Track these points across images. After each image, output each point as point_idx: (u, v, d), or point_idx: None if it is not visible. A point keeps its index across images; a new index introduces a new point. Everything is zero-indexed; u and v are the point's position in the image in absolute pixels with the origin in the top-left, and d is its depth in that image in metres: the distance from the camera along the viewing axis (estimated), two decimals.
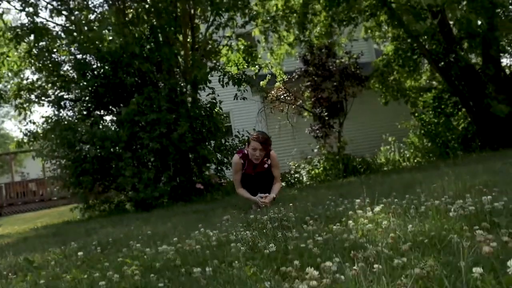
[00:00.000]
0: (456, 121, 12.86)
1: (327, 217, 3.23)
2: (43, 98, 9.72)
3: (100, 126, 8.28)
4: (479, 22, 11.29)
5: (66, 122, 8.72)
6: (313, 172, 11.01)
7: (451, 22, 12.29)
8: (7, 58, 9.82)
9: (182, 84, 9.19)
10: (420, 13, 11.81)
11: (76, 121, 8.93)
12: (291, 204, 4.31)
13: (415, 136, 13.29)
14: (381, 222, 2.58)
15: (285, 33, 13.29)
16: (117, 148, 8.30)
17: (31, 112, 10.92)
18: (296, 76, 12.40)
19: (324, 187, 7.47)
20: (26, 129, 10.38)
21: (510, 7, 11.66)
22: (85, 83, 8.63)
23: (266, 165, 5.26)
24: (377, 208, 2.95)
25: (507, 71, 12.61)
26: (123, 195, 9.31)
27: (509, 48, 13.09)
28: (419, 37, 12.36)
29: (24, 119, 10.82)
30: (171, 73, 8.94)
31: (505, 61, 13.35)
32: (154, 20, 8.75)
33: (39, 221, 11.61)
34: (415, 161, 12.45)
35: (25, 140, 10.41)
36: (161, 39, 8.92)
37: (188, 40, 10.04)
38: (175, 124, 8.42)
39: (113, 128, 8.46)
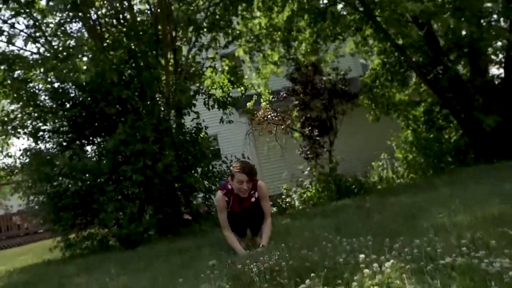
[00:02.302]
0: (448, 134, 12.59)
1: (326, 270, 2.78)
2: (19, 130, 9.23)
3: (80, 158, 7.78)
4: (464, 32, 11.05)
5: (43, 155, 8.23)
6: (305, 195, 10.61)
7: (437, 33, 12.08)
8: None
9: (165, 111, 8.78)
10: (406, 25, 11.59)
11: (55, 153, 8.45)
12: (283, 245, 3.90)
13: (403, 151, 12.99)
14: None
15: (270, 52, 13.01)
16: (98, 181, 7.83)
17: (8, 144, 10.44)
18: (284, 96, 12.07)
19: (319, 214, 7.05)
20: (3, 163, 9.92)
21: (494, 16, 11.50)
22: (63, 113, 8.18)
23: (253, 199, 4.75)
24: (387, 265, 2.49)
25: (496, 81, 12.38)
26: (106, 230, 8.77)
27: (495, 57, 12.89)
28: (406, 50, 12.14)
29: (1, 152, 10.34)
30: (154, 100, 8.52)
31: (493, 71, 13.11)
32: (133, 44, 8.34)
33: (21, 258, 11.02)
34: (409, 177, 12.13)
35: (2, 174, 9.93)
36: (142, 63, 8.51)
37: (170, 63, 9.67)
38: (160, 154, 7.98)
39: (94, 160, 7.98)
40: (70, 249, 8.45)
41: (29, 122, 9.21)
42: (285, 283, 2.67)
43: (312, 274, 2.66)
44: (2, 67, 9.20)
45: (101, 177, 7.74)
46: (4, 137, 9.62)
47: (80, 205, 8.09)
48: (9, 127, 9.51)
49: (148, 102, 8.35)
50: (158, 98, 8.90)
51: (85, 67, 6.95)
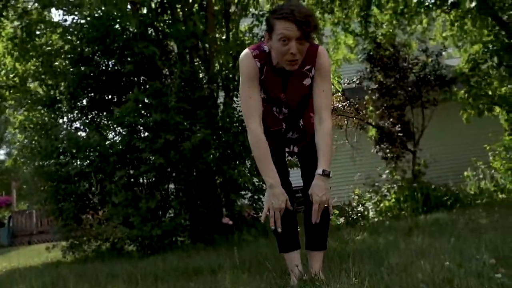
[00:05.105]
0: None
1: None
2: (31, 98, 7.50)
3: (85, 132, 5.89)
4: None
5: (45, 127, 6.41)
6: (382, 204, 8.19)
7: None
8: None
9: (204, 80, 6.70)
10: None
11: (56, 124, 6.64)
12: None
13: (504, 161, 10.31)
14: None
15: (343, 36, 10.86)
16: (109, 163, 5.87)
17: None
18: (358, 82, 9.71)
19: (414, 229, 4.74)
20: (15, 141, 8.30)
21: None
22: (71, 74, 6.29)
23: (307, 80, 2.47)
24: None
25: None
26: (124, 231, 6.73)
27: None
28: None
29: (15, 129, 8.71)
30: (184, 60, 6.43)
31: None
32: None
33: (49, 255, 9.31)
34: None
35: (15, 152, 8.30)
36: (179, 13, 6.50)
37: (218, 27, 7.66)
38: (189, 131, 5.90)
39: (103, 134, 6.04)
40: (74, 251, 6.51)
41: (42, 91, 7.44)
42: None
43: None
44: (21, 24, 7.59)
45: (111, 158, 5.75)
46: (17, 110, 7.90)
47: (87, 194, 6.18)
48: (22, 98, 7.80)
49: (178, 65, 6.24)
50: (196, 63, 6.81)
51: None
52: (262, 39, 2.67)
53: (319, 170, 2.34)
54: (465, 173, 10.34)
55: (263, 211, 2.37)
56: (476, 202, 8.57)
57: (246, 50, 2.51)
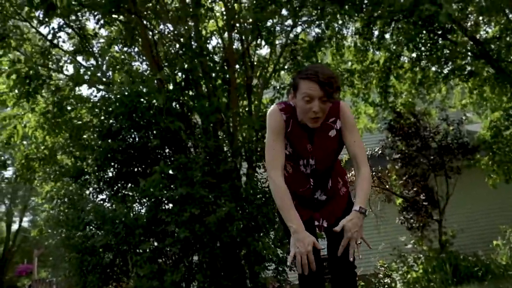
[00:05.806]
0: None
1: None
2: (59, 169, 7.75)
3: (111, 204, 6.00)
4: None
5: (73, 199, 6.55)
6: (409, 275, 7.97)
7: None
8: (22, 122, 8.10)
9: (228, 154, 6.84)
10: None
11: (91, 196, 6.78)
12: None
13: None
14: None
15: (363, 106, 11.04)
16: (134, 235, 5.92)
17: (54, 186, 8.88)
18: (380, 152, 9.73)
19: None
20: (42, 210, 8.45)
21: None
22: (99, 148, 6.50)
23: (333, 132, 2.58)
24: None
25: None
26: None
27: None
28: None
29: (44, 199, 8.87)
30: (209, 134, 6.63)
31: None
32: (185, 64, 6.59)
33: None
34: None
35: (42, 222, 8.43)
36: (204, 89, 6.77)
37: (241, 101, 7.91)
38: (214, 205, 5.97)
39: (129, 206, 6.12)
40: None
41: (70, 162, 7.68)
42: None
43: None
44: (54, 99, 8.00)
45: (136, 231, 5.81)
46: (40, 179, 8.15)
47: (111, 265, 6.20)
48: (50, 170, 8.05)
49: (203, 138, 6.44)
50: (220, 137, 7.01)
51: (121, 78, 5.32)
52: None
53: (356, 207, 2.43)
54: (495, 242, 10.06)
55: (289, 255, 2.39)
56: (508, 273, 8.29)
57: (273, 106, 2.67)
